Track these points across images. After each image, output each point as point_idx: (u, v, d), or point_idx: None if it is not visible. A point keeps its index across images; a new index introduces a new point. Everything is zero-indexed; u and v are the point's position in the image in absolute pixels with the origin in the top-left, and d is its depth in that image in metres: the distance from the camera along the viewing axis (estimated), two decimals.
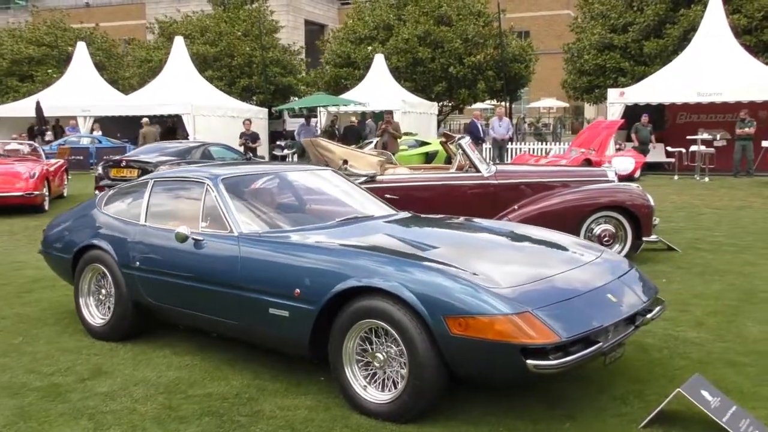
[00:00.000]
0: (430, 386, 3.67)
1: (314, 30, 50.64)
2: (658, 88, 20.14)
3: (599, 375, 4.41)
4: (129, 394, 4.22)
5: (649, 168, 19.77)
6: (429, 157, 20.28)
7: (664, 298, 6.24)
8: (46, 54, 35.88)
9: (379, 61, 25.98)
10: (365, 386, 3.93)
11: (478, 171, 7.93)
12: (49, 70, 34.30)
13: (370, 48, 27.96)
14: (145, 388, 4.31)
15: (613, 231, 7.88)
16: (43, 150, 21.36)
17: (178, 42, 27.94)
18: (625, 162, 17.62)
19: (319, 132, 23.88)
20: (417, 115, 24.51)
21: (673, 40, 23.58)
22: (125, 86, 33.00)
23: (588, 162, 17.06)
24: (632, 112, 20.11)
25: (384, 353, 3.83)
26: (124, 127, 27.59)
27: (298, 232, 4.49)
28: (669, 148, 19.44)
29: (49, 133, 25.91)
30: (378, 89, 24.31)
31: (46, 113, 26.50)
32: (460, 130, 36.74)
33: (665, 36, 24.11)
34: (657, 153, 20.40)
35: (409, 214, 5.25)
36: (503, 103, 27.69)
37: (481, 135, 19.21)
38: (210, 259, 4.52)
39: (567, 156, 17.75)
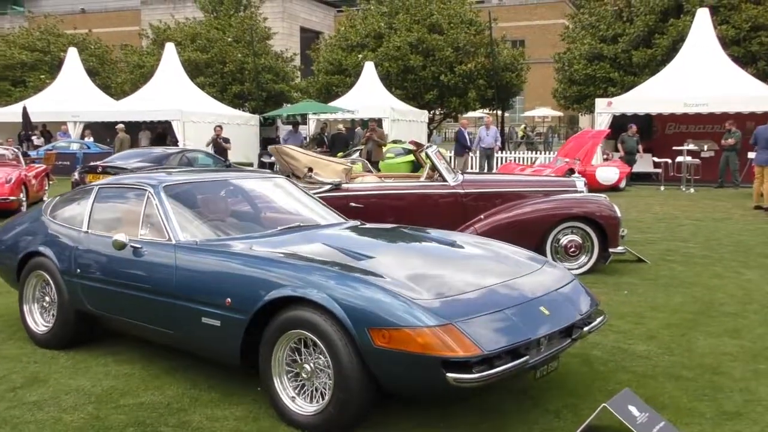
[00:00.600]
0: (355, 399, 3.62)
1: (310, 37, 50.67)
2: (646, 98, 20.12)
3: (537, 388, 4.36)
4: (58, 404, 4.16)
5: (637, 178, 19.75)
6: (416, 165, 20.23)
7: (622, 311, 6.27)
8: (39, 59, 35.96)
9: (369, 69, 26.00)
10: (294, 397, 3.88)
11: (444, 180, 7.88)
12: (42, 76, 34.32)
13: (360, 56, 27.97)
14: (76, 397, 4.26)
15: (580, 242, 7.84)
16: (31, 155, 21.47)
17: (169, 48, 27.94)
18: (610, 172, 17.61)
19: (307, 139, 23.89)
20: (407, 123, 24.51)
21: (662, 50, 23.60)
22: (117, 92, 33.01)
23: (572, 171, 17.05)
24: (620, 122, 20.10)
25: (312, 364, 3.79)
26: (116, 133, 27.57)
27: (236, 241, 4.44)
28: (655, 159, 19.40)
29: (39, 138, 25.92)
30: (367, 97, 24.31)
31: (38, 118, 26.53)
32: (447, 138, 36.72)
33: (654, 46, 24.12)
34: (644, 163, 20.38)
35: (356, 223, 5.21)
36: (493, 112, 27.70)
37: (468, 144, 19.18)
38: (147, 267, 4.48)
39: (552, 165, 17.72)
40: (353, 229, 4.98)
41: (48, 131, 27.74)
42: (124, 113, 26.32)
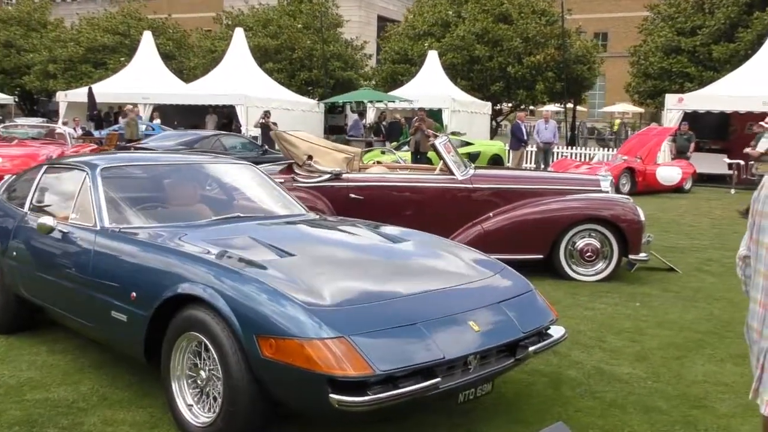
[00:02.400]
0: (243, 413, 3.24)
1: (388, 26, 50.37)
2: (721, 95, 18.85)
3: (478, 411, 3.86)
4: None
5: (708, 180, 18.58)
6: (470, 158, 19.61)
7: (622, 325, 5.66)
8: (120, 42, 36.83)
9: (432, 58, 25.40)
10: (191, 405, 3.53)
11: (452, 174, 7.37)
12: (122, 58, 35.16)
13: (426, 44, 27.39)
14: None
15: (598, 246, 7.20)
16: (96, 134, 21.95)
17: (238, 33, 28.08)
18: (672, 172, 16.58)
19: (365, 127, 23.58)
20: (468, 114, 23.82)
21: (746, 45, 22.11)
22: (189, 76, 33.48)
23: (630, 170, 16.12)
24: (693, 120, 18.90)
25: (206, 371, 3.42)
26: (186, 116, 28.00)
27: (161, 230, 4.11)
28: (726, 160, 18.14)
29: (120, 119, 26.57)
30: (428, 86, 23.74)
31: (111, 99, 27.24)
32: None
33: (737, 40, 22.63)
34: (717, 164, 19.10)
35: (313, 217, 4.82)
36: (563, 107, 26.68)
37: (524, 137, 18.42)
38: (70, 253, 4.23)
39: (610, 163, 16.80)
40: (301, 222, 4.59)
41: (116, 113, 28.36)
42: (190, 96, 26.68)
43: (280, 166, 7.81)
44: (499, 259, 7.13)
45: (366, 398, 2.94)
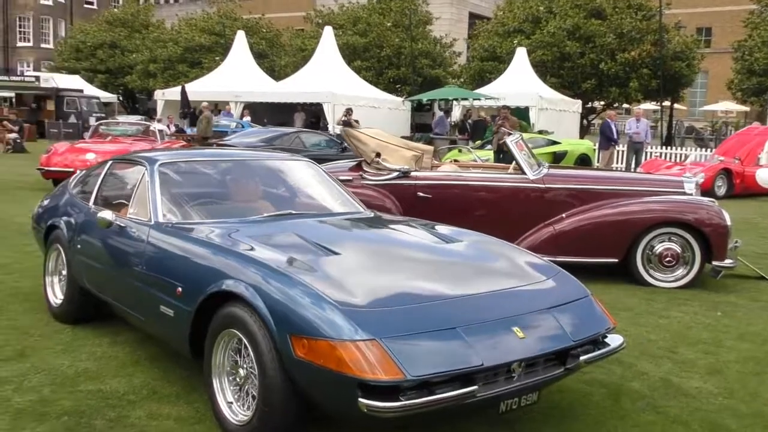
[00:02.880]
0: (279, 414, 3.20)
1: (477, 23, 49.86)
2: None
3: (528, 420, 3.69)
4: (21, 382, 4.08)
5: None
6: (557, 157, 19.12)
7: (699, 336, 5.33)
8: (215, 42, 37.90)
9: (521, 55, 24.91)
10: (231, 402, 3.51)
11: (523, 173, 7.14)
12: (217, 58, 36.20)
13: (515, 41, 26.90)
14: (43, 377, 4.15)
15: (678, 251, 6.82)
16: (188, 131, 22.65)
17: (327, 32, 28.38)
18: None
19: (450, 125, 23.36)
20: (556, 113, 23.24)
21: None
22: (281, 74, 34.10)
23: (727, 172, 15.32)
24: None
25: (245, 368, 3.39)
26: (276, 114, 28.52)
27: (209, 225, 4.11)
28: None
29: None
30: (516, 84, 23.30)
31: (204, 98, 28.05)
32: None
33: None
34: None
35: (368, 214, 4.73)
36: (654, 104, 25.65)
37: (614, 136, 17.76)
38: (126, 247, 4.29)
39: (705, 164, 16.01)
40: (355, 220, 4.52)
41: (219, 110, 29.18)
42: (279, 95, 27.16)
43: (351, 163, 7.77)
44: (571, 262, 6.95)
45: (396, 404, 2.83)
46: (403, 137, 21.94)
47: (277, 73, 34.64)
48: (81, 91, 33.85)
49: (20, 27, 51.55)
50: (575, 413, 3.88)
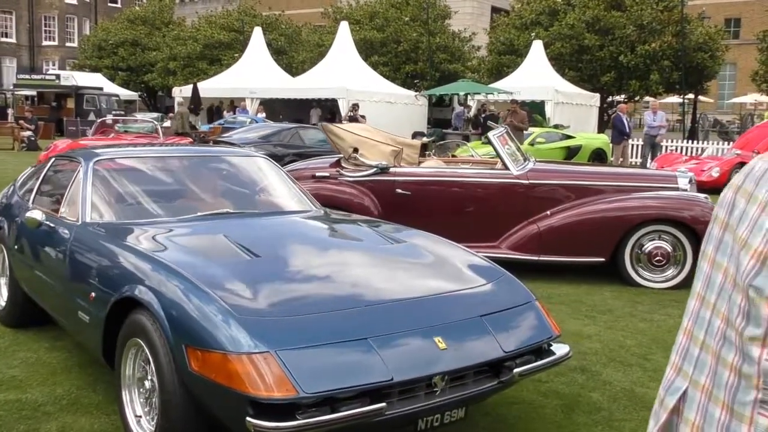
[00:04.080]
0: (178, 430, 2.94)
1: (494, 17, 49.25)
2: None
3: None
4: None
5: None
6: (571, 152, 18.69)
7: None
8: (234, 39, 37.87)
9: (537, 48, 24.41)
10: (140, 416, 3.27)
11: (506, 168, 6.82)
12: (236, 54, 36.16)
13: (533, 34, 26.39)
14: None
15: (669, 250, 6.46)
16: (202, 128, 22.66)
17: (343, 27, 28.14)
18: None
19: (464, 120, 23.01)
20: (573, 107, 22.74)
21: None
22: (298, 70, 33.95)
23: (743, 165, 14.77)
24: None
25: (150, 380, 3.15)
26: (293, 110, 28.37)
27: (137, 226, 3.88)
28: None
29: (226, 114, 27.39)
30: (532, 78, 22.83)
31: (221, 94, 28.12)
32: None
33: None
34: None
35: (316, 213, 4.47)
36: (678, 97, 25.00)
37: (626, 130, 17.29)
38: (51, 248, 4.09)
39: (721, 158, 15.49)
40: (297, 219, 4.26)
41: (235, 107, 29.15)
42: (294, 90, 27.03)
43: (332, 160, 7.52)
44: (557, 262, 6.64)
45: (286, 424, 2.57)
46: (416, 132, 21.78)
47: (295, 69, 34.49)
48: (101, 89, 34.01)
49: (46, 26, 52.04)
50: (521, 428, 3.58)
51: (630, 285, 6.49)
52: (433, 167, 7.35)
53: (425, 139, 20.34)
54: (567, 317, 5.44)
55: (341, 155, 7.31)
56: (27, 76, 36.46)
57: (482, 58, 31.38)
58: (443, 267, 3.60)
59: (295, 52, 37.00)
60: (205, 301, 2.89)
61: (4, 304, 5.00)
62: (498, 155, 6.89)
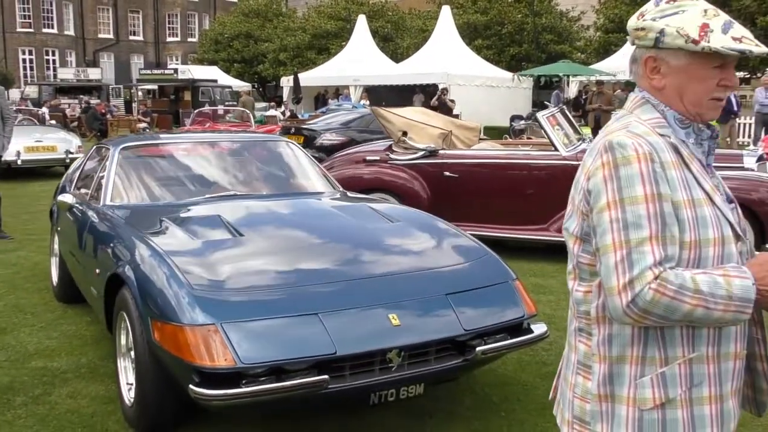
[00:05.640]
0: (152, 399, 3.16)
1: None
2: None
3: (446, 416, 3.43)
4: None
5: None
6: None
7: None
8: (342, 28, 38.48)
9: None
10: (132, 384, 3.49)
11: (556, 149, 6.66)
12: (343, 43, 36.75)
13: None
14: (5, 354, 4.34)
15: None
16: (301, 116, 23.27)
17: (445, 11, 28.03)
18: None
19: (562, 101, 22.39)
20: None
21: None
22: (403, 56, 34.09)
23: None
24: None
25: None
26: (396, 96, 28.56)
27: (147, 207, 4.14)
28: None
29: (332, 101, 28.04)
30: None
31: (326, 83, 28.76)
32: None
33: None
34: None
35: (330, 194, 4.59)
36: None
37: (734, 108, 16.29)
38: (78, 230, 4.40)
39: None
40: (304, 200, 4.40)
41: (339, 95, 29.73)
42: (397, 77, 27.15)
43: (385, 144, 7.59)
44: None
45: (222, 392, 2.71)
46: (514, 116, 21.39)
47: (400, 55, 34.65)
48: (215, 81, 35.50)
49: (169, 23, 54.81)
50: (504, 408, 3.56)
51: None
52: (480, 149, 7.28)
53: (523, 123, 20.02)
54: None
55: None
56: (148, 72, 38.62)
57: (589, 38, 30.37)
58: (424, 246, 3.63)
59: (400, 38, 37.16)
60: (170, 277, 3.07)
61: (57, 280, 5.42)
62: (547, 136, 6.73)
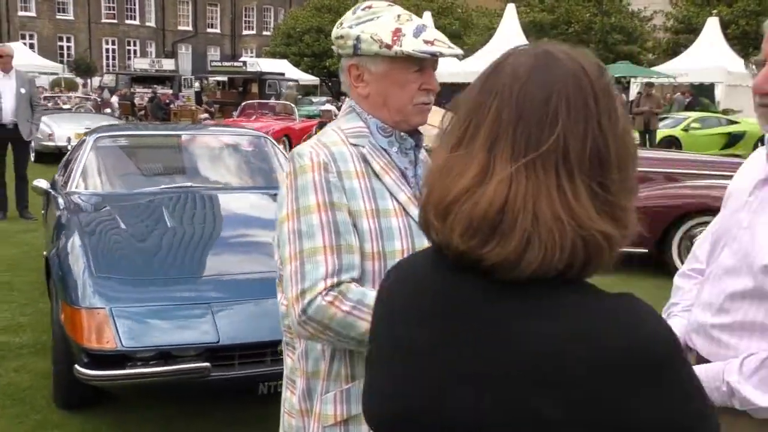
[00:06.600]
0: (64, 376, 3.32)
1: None
2: None
3: None
4: None
5: None
6: (733, 139, 17.28)
7: None
8: None
9: (712, 26, 22.51)
10: None
11: None
12: None
13: (714, 11, 24.39)
14: None
15: None
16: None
17: (510, 9, 27.74)
18: None
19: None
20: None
21: None
22: (467, 54, 33.92)
23: None
24: None
25: None
26: (458, 93, 28.45)
27: (102, 196, 4.33)
28: None
29: None
30: (702, 58, 21.17)
31: None
32: None
33: None
34: None
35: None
36: None
37: None
38: (49, 214, 4.63)
39: None
40: (253, 195, 4.50)
41: None
42: (459, 75, 27.02)
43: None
44: None
45: (100, 373, 2.84)
46: None
47: (465, 53, 34.51)
48: (282, 74, 36.12)
49: (246, 16, 56.10)
50: None
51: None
52: None
53: None
54: None
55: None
56: (219, 64, 39.60)
57: (658, 40, 29.53)
58: None
59: (467, 36, 36.98)
60: (79, 263, 3.23)
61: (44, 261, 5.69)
62: None
